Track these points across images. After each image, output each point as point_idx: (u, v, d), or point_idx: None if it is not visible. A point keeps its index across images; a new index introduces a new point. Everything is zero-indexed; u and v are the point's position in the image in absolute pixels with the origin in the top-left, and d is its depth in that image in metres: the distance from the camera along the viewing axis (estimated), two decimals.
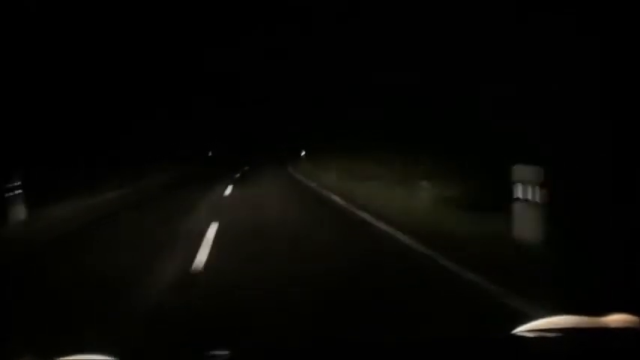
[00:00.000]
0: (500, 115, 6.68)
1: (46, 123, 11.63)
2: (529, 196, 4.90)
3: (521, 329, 1.12)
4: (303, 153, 28.98)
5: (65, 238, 7.03)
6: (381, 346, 1.15)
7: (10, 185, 8.52)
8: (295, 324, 3.05)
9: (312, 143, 27.71)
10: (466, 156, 7.67)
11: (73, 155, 12.92)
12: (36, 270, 5.03)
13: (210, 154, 34.09)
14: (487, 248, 4.74)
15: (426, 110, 9.79)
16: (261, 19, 31.65)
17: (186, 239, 6.13)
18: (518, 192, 5.02)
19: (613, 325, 1.04)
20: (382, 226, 6.56)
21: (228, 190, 12.80)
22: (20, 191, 8.65)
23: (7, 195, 8.42)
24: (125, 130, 16.91)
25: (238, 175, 19.84)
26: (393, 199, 8.25)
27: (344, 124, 19.74)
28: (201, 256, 5.07)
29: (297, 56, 34.65)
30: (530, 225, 4.88)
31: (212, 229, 6.58)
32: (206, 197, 11.41)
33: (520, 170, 5.11)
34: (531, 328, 1.11)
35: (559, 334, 1.05)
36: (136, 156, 17.27)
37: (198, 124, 29.23)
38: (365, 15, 13.92)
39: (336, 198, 9.88)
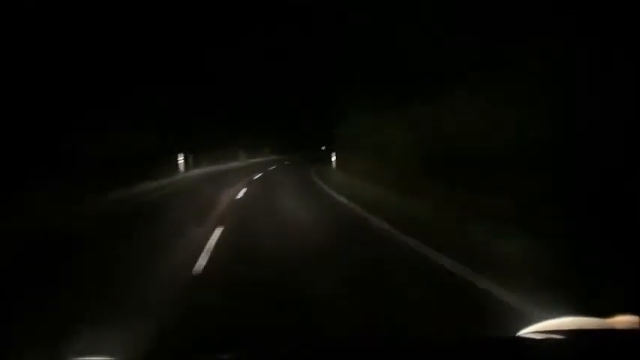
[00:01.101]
0: None
1: (48, 124, 11.61)
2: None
3: (527, 330, 1.12)
4: (333, 158, 20.53)
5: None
6: (384, 345, 1.15)
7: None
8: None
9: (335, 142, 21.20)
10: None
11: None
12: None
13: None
14: None
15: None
16: (261, 19, 31.63)
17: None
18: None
19: (619, 326, 1.05)
20: None
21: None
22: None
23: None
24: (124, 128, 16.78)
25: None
26: None
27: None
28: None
29: (297, 56, 34.66)
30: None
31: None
32: None
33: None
34: (537, 330, 1.11)
35: (565, 336, 1.05)
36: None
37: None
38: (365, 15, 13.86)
39: None
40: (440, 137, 8.24)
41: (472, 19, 7.25)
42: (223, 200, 10.92)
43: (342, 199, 10.29)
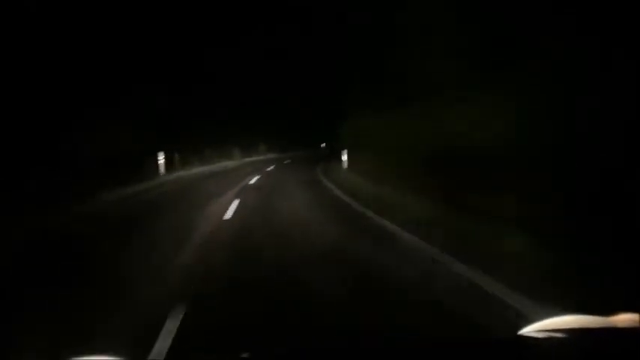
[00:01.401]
0: None
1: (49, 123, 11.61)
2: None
3: (528, 329, 1.12)
4: (344, 157, 17.73)
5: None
6: (385, 346, 1.15)
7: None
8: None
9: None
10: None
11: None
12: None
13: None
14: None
15: None
16: (261, 19, 31.65)
17: None
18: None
19: (621, 324, 1.04)
20: None
21: None
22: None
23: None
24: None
25: None
26: None
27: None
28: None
29: (297, 56, 34.71)
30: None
31: None
32: None
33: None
34: (539, 329, 1.11)
35: (566, 334, 1.05)
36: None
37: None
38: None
39: None
40: (446, 137, 8.08)
41: (472, 18, 7.25)
42: (203, 224, 7.21)
43: (373, 216, 7.52)
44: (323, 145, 45.76)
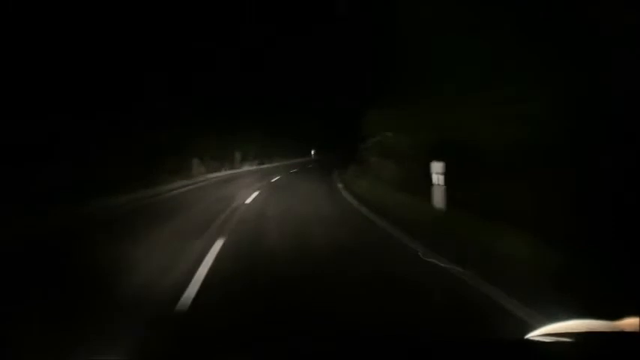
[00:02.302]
0: None
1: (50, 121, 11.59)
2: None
3: (535, 333, 1.13)
4: (438, 180, 7.46)
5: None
6: (392, 346, 1.15)
7: None
8: None
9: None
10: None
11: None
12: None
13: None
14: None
15: None
16: (261, 18, 31.67)
17: None
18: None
19: (627, 328, 1.05)
20: None
21: None
22: None
23: None
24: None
25: None
26: None
27: None
28: None
29: (300, 57, 34.71)
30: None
31: None
32: None
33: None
34: (545, 333, 1.12)
35: (573, 338, 1.06)
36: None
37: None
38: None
39: None
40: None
41: (477, 18, 7.23)
42: None
43: None
44: (312, 151, 42.77)
